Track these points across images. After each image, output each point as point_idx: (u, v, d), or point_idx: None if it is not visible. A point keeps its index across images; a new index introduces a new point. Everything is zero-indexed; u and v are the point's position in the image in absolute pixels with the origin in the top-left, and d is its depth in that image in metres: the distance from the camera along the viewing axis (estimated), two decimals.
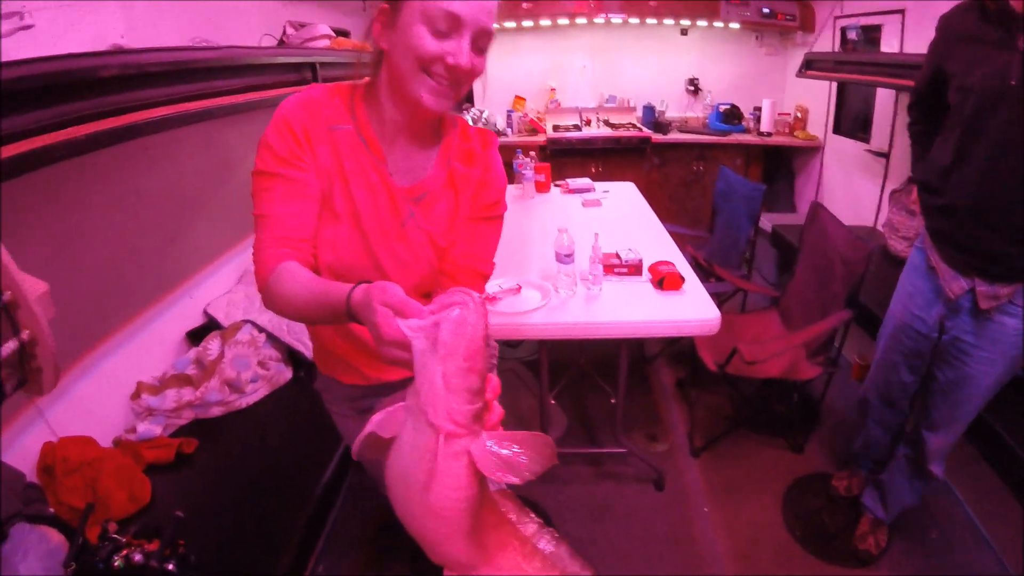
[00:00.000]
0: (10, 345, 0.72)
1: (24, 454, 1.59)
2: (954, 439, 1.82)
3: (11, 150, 1.08)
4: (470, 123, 1.21)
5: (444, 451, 0.66)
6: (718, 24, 4.66)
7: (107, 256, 1.95)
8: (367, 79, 1.10)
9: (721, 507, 2.30)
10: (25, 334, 0.75)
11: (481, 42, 0.96)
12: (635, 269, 2.14)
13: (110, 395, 1.94)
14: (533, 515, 0.79)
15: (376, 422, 0.73)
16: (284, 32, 2.58)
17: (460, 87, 0.99)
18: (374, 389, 1.33)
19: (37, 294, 0.74)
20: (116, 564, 1.30)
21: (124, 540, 1.36)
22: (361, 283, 0.79)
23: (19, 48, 1.31)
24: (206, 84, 1.67)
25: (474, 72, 0.98)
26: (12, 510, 1.36)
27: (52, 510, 1.50)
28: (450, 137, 1.15)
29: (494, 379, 0.72)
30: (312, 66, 2.23)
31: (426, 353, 0.66)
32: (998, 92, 1.42)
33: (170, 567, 1.33)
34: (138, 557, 1.32)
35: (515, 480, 0.67)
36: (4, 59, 1.14)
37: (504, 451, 0.67)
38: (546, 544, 0.76)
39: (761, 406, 2.79)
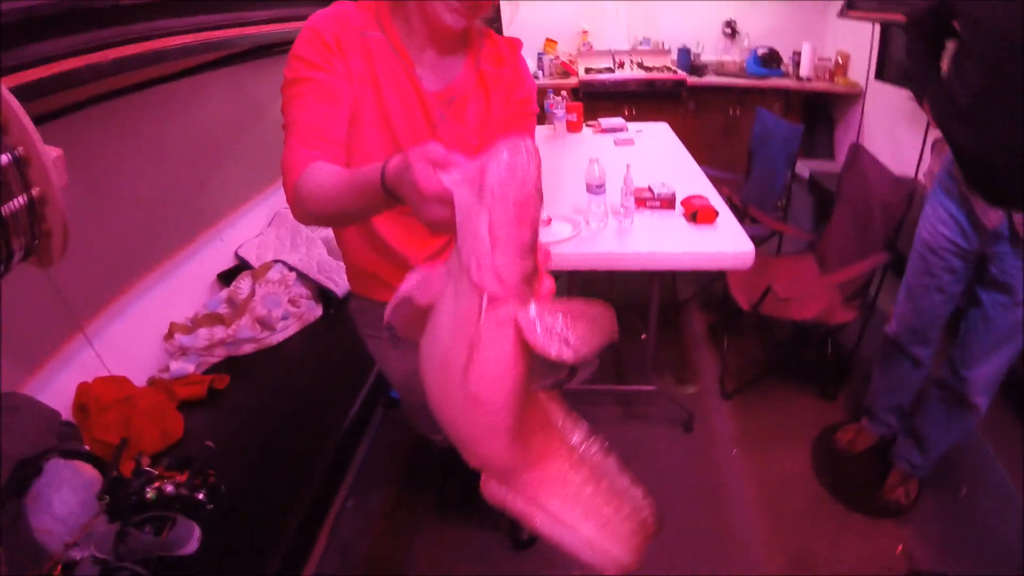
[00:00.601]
0: (20, 200, 0.71)
1: (60, 394, 1.63)
2: (998, 368, 1.74)
3: (38, 73, 1.09)
4: None
5: (488, 317, 0.57)
6: None
7: (140, 200, 1.97)
8: None
9: (750, 452, 2.27)
10: (36, 191, 0.74)
11: None
12: (668, 203, 2.10)
13: (144, 336, 1.98)
14: (581, 420, 0.69)
15: (411, 285, 0.64)
16: None
17: (479, 7, 1.00)
18: None
19: (51, 157, 0.74)
20: (148, 496, 1.34)
21: (156, 472, 1.40)
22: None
23: None
24: (232, 15, 1.65)
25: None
26: (47, 446, 1.40)
27: (86, 447, 1.54)
28: (477, 42, 1.15)
29: (544, 245, 0.63)
30: None
31: (471, 204, 0.57)
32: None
33: (200, 496, 1.37)
34: (169, 488, 1.36)
35: (568, 354, 0.56)
36: None
37: (555, 320, 0.57)
38: (594, 453, 0.67)
39: (793, 351, 2.74)
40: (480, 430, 0.62)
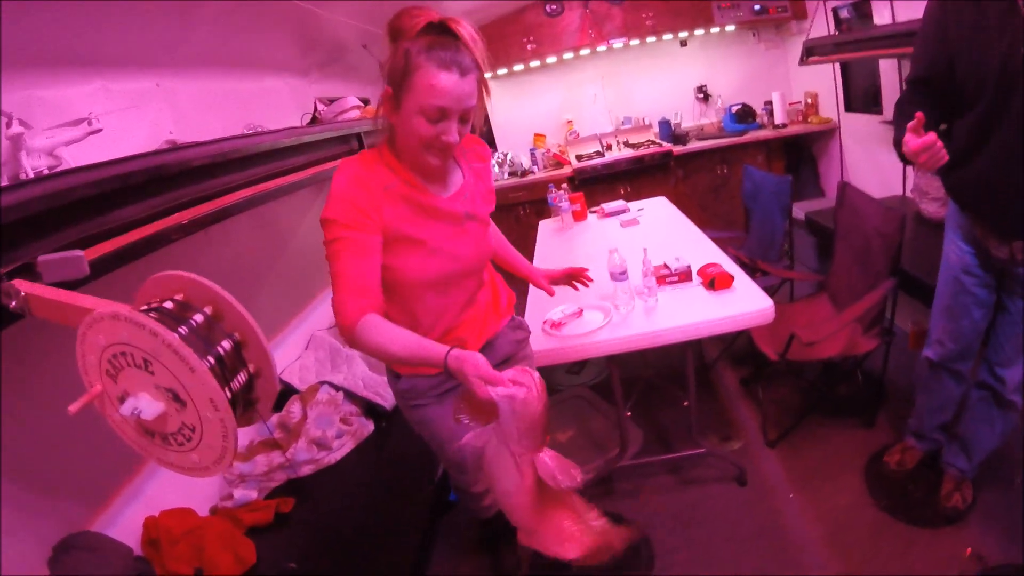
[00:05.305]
0: (241, 377, 0.87)
1: (127, 530, 1.69)
2: None
3: (131, 237, 1.23)
4: (495, 164, 1.46)
5: (520, 464, 1.13)
6: (714, 30, 4.79)
7: None
8: (384, 141, 1.39)
9: (805, 492, 2.29)
10: (252, 367, 0.90)
11: (466, 116, 1.28)
12: (685, 276, 2.22)
13: None
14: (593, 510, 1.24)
15: (470, 439, 1.15)
16: (316, 108, 2.70)
17: (452, 149, 1.31)
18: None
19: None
20: None
21: None
22: (453, 348, 1.14)
23: (90, 151, 1.40)
24: (275, 165, 1.83)
25: (462, 138, 1.31)
26: None
27: None
28: (459, 153, 1.48)
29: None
30: (358, 136, 2.40)
31: (508, 413, 1.07)
32: (1017, 67, 1.39)
33: None
34: None
35: (555, 484, 1.12)
36: (78, 163, 1.24)
37: (558, 465, 1.13)
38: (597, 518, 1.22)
39: (827, 390, 2.79)
40: (511, 506, 1.20)
